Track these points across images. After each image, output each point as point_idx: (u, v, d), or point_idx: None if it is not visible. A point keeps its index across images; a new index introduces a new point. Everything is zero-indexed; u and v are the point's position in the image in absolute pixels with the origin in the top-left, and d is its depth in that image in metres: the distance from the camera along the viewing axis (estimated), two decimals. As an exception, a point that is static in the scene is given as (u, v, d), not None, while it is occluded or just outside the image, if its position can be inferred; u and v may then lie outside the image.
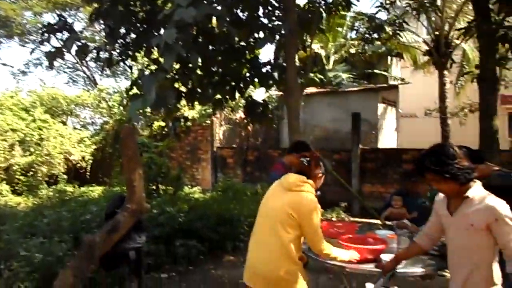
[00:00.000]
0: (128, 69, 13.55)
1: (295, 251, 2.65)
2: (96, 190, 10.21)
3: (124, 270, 4.24)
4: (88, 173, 12.36)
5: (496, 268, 2.18)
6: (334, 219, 7.04)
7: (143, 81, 4.19)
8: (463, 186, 2.20)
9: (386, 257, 2.89)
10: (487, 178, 2.75)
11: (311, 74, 10.02)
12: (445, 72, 11.04)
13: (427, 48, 11.16)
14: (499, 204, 2.13)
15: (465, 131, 11.02)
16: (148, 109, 8.20)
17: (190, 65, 5.12)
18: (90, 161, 12.36)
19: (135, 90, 5.81)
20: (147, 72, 5.17)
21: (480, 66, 5.91)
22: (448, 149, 2.23)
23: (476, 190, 2.23)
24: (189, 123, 8.62)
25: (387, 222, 4.73)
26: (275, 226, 2.67)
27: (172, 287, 4.81)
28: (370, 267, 2.88)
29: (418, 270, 2.87)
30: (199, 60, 5.35)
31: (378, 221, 7.91)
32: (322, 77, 11.60)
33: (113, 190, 9.17)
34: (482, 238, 2.16)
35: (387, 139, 12.10)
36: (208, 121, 11.98)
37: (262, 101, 6.95)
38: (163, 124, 11.25)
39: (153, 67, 6.27)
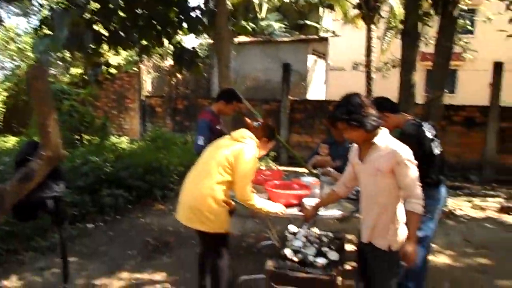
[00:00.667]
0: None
1: (222, 194, 2.73)
2: (10, 141, 9.49)
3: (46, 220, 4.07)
4: (0, 123, 11.34)
5: (400, 208, 2.37)
6: (263, 167, 7.22)
7: (54, 17, 3.77)
8: (370, 134, 2.30)
9: (309, 202, 3.04)
10: (402, 127, 2.95)
11: (243, 22, 9.79)
12: (373, 26, 11.40)
13: (358, 1, 11.36)
14: (401, 148, 2.25)
15: (388, 85, 11.66)
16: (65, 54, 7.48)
17: (111, 5, 4.69)
18: (2, 110, 11.29)
19: (47, 31, 5.24)
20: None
21: (404, 21, 6.16)
22: (355, 99, 2.31)
23: (382, 137, 2.33)
24: (113, 70, 8.10)
25: (314, 170, 4.97)
26: (211, 167, 2.77)
27: (99, 236, 4.70)
28: (294, 211, 3.01)
29: (336, 213, 3.06)
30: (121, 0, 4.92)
31: (305, 170, 8.32)
32: (254, 25, 11.39)
33: (30, 140, 8.49)
34: (388, 181, 2.29)
35: (316, 91, 12.46)
36: (135, 69, 11.38)
37: (191, 49, 6.68)
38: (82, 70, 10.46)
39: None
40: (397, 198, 2.33)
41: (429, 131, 2.88)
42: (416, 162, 2.29)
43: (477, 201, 6.62)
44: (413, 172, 2.27)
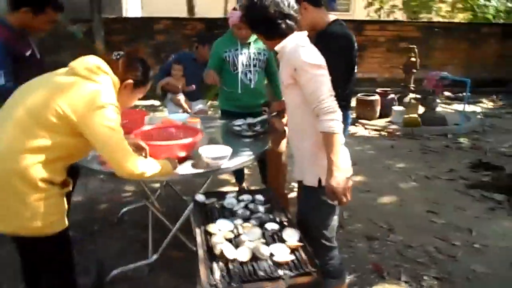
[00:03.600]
0: None
1: (43, 170, 1.50)
2: None
3: None
4: None
5: None
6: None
7: None
8: (274, 41, 1.80)
9: (207, 152, 2.12)
10: (325, 27, 2.25)
11: None
12: None
13: None
14: (297, 51, 1.70)
15: None
16: None
17: None
18: None
19: None
20: None
21: None
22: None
23: (284, 42, 1.77)
24: None
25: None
26: (22, 124, 1.50)
27: None
28: (188, 171, 2.06)
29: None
30: None
31: (155, 101, 7.04)
32: None
33: None
34: (296, 97, 1.77)
35: (132, 7, 10.60)
36: None
37: None
38: None
39: None
40: (315, 117, 1.71)
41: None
42: (324, 64, 1.71)
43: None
44: (316, 78, 1.65)
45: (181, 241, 2.65)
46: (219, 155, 2.10)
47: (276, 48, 1.79)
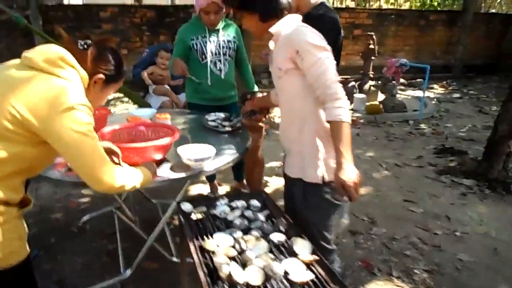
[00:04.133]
0: None
1: (1, 189, 1.20)
2: None
3: None
4: None
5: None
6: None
7: None
8: (266, 22, 1.62)
9: (186, 152, 1.87)
10: (309, 9, 2.06)
11: None
12: None
13: None
14: (299, 31, 1.53)
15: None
16: None
17: None
18: None
19: None
20: None
21: None
22: None
23: (280, 24, 1.61)
24: None
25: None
26: None
27: None
28: (166, 175, 1.81)
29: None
30: None
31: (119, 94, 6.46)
32: None
33: None
34: (295, 82, 1.58)
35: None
36: None
37: None
38: None
39: None
40: (318, 104, 1.57)
41: None
42: (328, 47, 1.53)
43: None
44: (322, 61, 1.49)
45: (155, 250, 2.39)
46: (201, 156, 1.86)
47: (272, 29, 1.60)
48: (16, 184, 1.27)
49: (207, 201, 1.74)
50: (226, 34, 2.88)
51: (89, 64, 1.33)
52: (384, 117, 5.79)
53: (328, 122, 1.51)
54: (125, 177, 1.40)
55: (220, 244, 1.39)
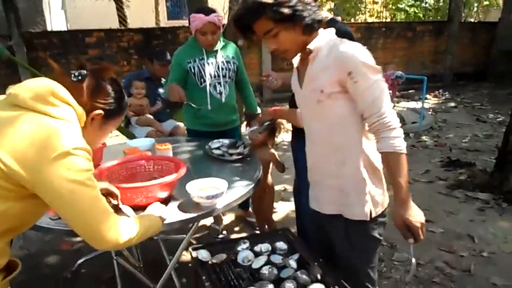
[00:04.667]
0: None
1: None
2: None
3: None
4: None
5: (372, 148, 1.40)
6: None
7: None
8: (308, 35, 1.38)
9: (195, 190, 1.66)
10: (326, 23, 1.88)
11: None
12: None
13: None
14: (353, 50, 1.31)
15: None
16: None
17: None
18: None
19: None
20: None
21: None
22: None
23: (323, 38, 1.40)
24: None
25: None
26: None
27: None
28: (175, 217, 1.59)
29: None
30: None
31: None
32: None
33: None
34: (341, 107, 1.37)
35: (56, 22, 9.61)
36: None
37: None
38: None
39: None
40: (362, 132, 1.39)
41: None
42: (379, 67, 1.33)
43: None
44: (378, 84, 1.30)
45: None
46: (214, 192, 1.65)
47: (312, 45, 1.37)
48: (1, 246, 1.04)
49: (224, 244, 1.52)
50: (225, 55, 2.71)
51: (85, 99, 1.11)
52: (384, 131, 5.63)
53: (382, 153, 1.33)
54: (132, 229, 1.18)
55: None
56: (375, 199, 1.41)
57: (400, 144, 1.28)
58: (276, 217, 3.22)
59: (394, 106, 5.82)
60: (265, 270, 1.30)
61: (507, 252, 2.72)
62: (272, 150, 2.54)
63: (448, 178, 3.98)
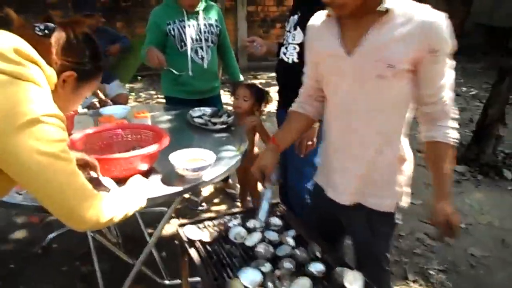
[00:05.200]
0: None
1: None
2: None
3: None
4: None
5: (405, 135, 1.28)
6: None
7: None
8: None
9: (179, 161, 1.54)
10: None
11: None
12: None
13: None
14: (442, 23, 1.09)
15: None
16: None
17: None
18: None
19: None
20: None
21: None
22: None
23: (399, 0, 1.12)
24: None
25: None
26: None
27: None
28: (160, 191, 1.47)
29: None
30: None
31: None
32: None
33: None
34: (401, 89, 1.16)
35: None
36: None
37: None
38: None
39: None
40: (406, 119, 1.24)
41: None
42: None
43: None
44: (450, 71, 1.16)
45: (141, 272, 2.04)
46: (200, 164, 1.53)
47: (389, 4, 1.10)
48: None
49: (214, 220, 1.42)
50: (208, 17, 2.53)
51: (54, 57, 0.94)
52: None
53: (431, 142, 1.21)
54: (114, 207, 1.05)
55: (246, 283, 1.08)
56: (404, 191, 1.32)
57: (455, 136, 1.19)
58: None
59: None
60: (261, 248, 1.21)
61: (483, 223, 2.78)
62: (258, 119, 2.42)
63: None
